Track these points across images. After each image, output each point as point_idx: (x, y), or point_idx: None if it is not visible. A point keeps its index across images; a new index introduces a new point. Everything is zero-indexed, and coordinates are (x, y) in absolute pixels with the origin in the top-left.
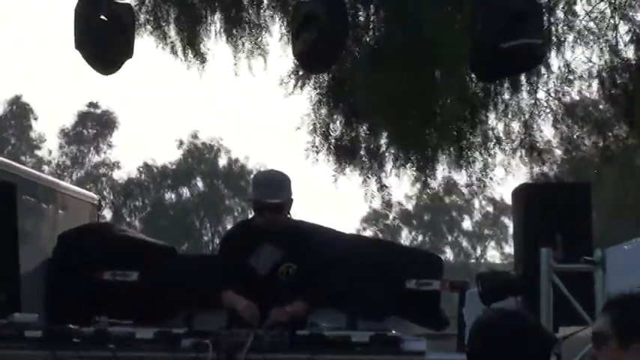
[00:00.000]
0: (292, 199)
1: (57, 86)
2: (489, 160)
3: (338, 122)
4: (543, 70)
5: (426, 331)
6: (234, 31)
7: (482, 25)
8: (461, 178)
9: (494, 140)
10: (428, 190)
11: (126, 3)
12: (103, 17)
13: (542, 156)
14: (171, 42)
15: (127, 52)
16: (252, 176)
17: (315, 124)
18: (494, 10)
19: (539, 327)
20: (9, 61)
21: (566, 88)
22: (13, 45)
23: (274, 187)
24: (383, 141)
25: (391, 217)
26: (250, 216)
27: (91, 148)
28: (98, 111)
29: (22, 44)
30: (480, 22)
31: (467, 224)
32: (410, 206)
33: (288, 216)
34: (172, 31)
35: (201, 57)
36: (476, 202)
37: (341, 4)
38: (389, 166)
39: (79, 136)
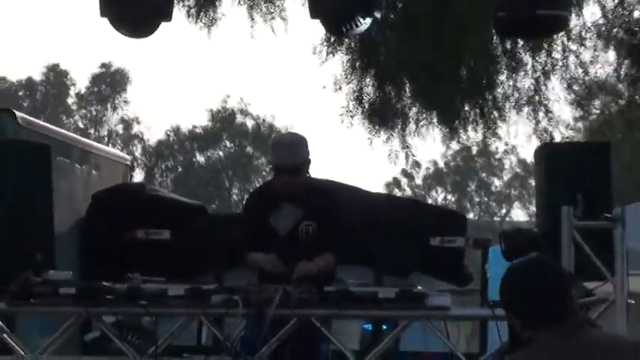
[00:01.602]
0: (310, 160)
1: (79, 50)
2: (512, 119)
3: (370, 86)
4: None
5: (450, 287)
6: None
7: None
8: (488, 139)
9: (516, 101)
10: (455, 149)
11: None
12: None
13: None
14: (188, 5)
15: (163, 14)
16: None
17: (348, 88)
18: None
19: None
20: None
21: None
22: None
23: (291, 149)
24: (410, 102)
25: (421, 176)
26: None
27: (108, 106)
28: (111, 70)
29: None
30: None
31: (496, 184)
32: (442, 165)
33: (308, 175)
34: None
35: (213, 21)
36: (506, 163)
37: None
38: (418, 126)
39: (96, 96)
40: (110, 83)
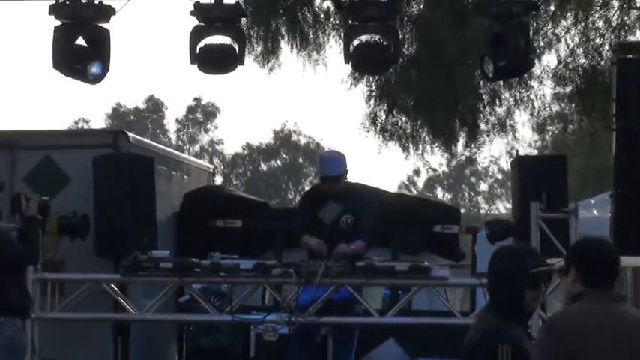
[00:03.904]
0: (347, 171)
1: (175, 85)
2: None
3: (382, 111)
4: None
5: (449, 262)
6: (303, 47)
7: (524, 42)
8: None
9: (498, 126)
10: (452, 162)
11: (240, 27)
12: (213, 41)
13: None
14: (256, 53)
15: (238, 60)
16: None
17: (365, 110)
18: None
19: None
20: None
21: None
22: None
23: (335, 163)
24: (414, 123)
25: (424, 180)
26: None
27: (201, 130)
28: (203, 102)
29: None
30: (521, 39)
31: (482, 187)
32: (442, 172)
33: (346, 182)
34: (260, 46)
35: (278, 63)
36: (490, 171)
37: (396, 33)
38: (421, 143)
39: (191, 121)
40: (204, 112)
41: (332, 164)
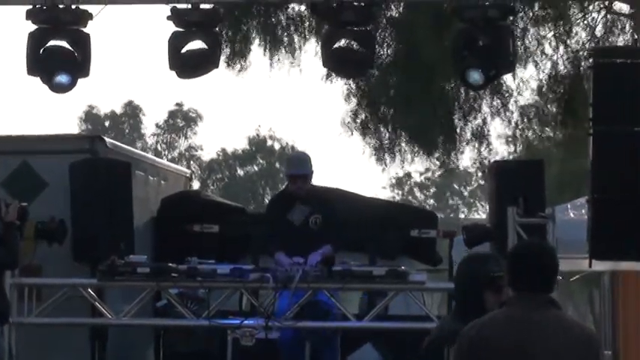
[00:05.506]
0: (313, 171)
1: (153, 90)
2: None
3: (362, 108)
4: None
5: (426, 267)
6: (276, 50)
7: (512, 46)
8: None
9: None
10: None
11: (217, 31)
12: (191, 47)
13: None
14: (227, 56)
15: (213, 63)
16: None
17: (345, 109)
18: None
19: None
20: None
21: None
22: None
23: (299, 164)
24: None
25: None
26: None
27: (181, 135)
28: (184, 108)
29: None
30: (509, 42)
31: (464, 191)
32: (423, 178)
33: (312, 184)
34: (228, 49)
35: (242, 67)
36: (474, 176)
37: (372, 38)
38: (401, 147)
39: (171, 127)
40: (184, 118)
41: (299, 164)
